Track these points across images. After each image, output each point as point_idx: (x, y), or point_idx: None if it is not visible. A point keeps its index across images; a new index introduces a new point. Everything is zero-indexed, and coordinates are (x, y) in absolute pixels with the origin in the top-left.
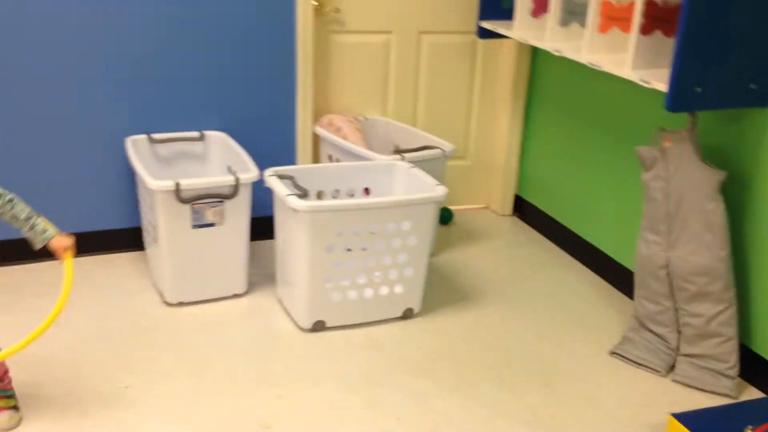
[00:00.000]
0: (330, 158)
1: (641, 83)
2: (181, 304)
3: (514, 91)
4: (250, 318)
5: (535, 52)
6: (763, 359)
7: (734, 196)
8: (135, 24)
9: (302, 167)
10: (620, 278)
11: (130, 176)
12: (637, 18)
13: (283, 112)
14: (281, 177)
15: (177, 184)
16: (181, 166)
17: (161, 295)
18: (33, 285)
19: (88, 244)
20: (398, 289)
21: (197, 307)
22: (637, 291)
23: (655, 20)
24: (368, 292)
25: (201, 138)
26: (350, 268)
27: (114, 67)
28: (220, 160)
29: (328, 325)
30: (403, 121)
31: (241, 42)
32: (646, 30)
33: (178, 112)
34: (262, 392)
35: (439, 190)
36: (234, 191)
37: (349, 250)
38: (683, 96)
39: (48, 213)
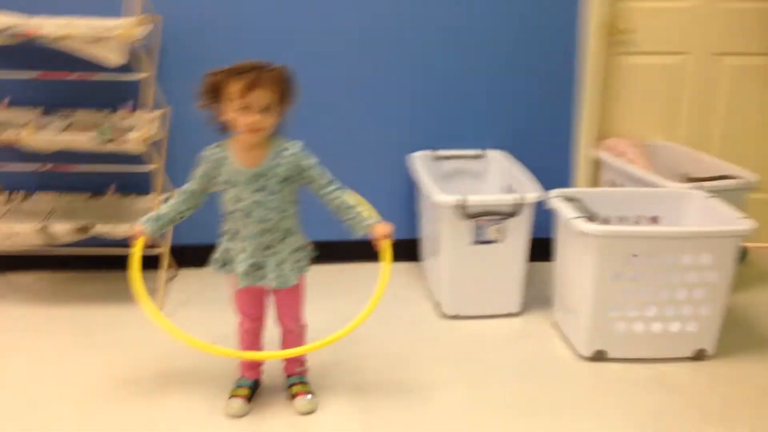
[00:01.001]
0: (612, 184)
1: None
2: (456, 317)
3: None
4: (526, 339)
5: None
6: None
7: None
8: (431, 49)
9: (588, 190)
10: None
11: (410, 189)
12: None
13: (562, 134)
14: (567, 199)
15: (463, 200)
16: (461, 183)
17: (438, 306)
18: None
19: (368, 251)
20: (691, 327)
21: (473, 321)
22: None
23: None
24: (657, 326)
25: (482, 156)
26: (639, 298)
27: (408, 85)
28: (498, 178)
29: (610, 355)
30: (693, 147)
31: (523, 63)
32: None
33: (460, 131)
34: (541, 417)
35: (745, 223)
36: (517, 210)
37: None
38: None
39: (330, 220)
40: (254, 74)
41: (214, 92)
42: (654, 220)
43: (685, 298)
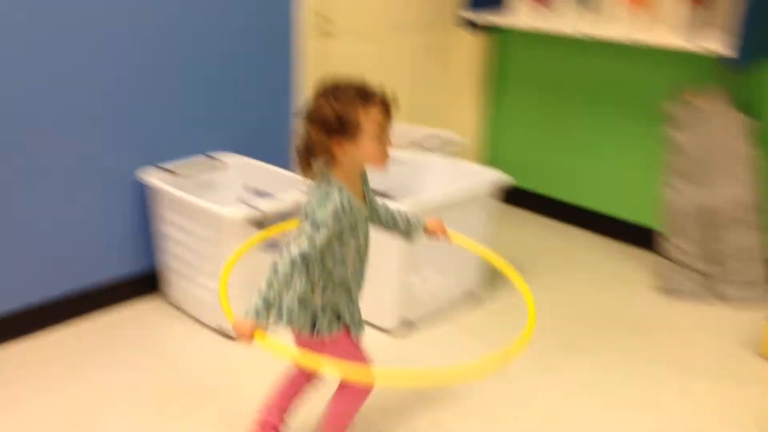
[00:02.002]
0: None
1: (696, 48)
2: None
3: (484, 79)
4: None
5: (504, 38)
6: None
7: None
8: (122, 51)
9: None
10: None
11: (140, 213)
12: None
13: (283, 125)
14: None
15: (256, 210)
16: (202, 192)
17: (221, 330)
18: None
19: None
20: (467, 276)
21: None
22: (668, 234)
23: None
24: (444, 284)
25: (215, 161)
26: (431, 262)
27: (113, 102)
28: (239, 180)
29: (414, 319)
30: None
31: (239, 58)
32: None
33: (186, 139)
34: None
35: (496, 176)
36: None
37: None
38: (743, 56)
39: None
40: (384, 99)
41: (346, 124)
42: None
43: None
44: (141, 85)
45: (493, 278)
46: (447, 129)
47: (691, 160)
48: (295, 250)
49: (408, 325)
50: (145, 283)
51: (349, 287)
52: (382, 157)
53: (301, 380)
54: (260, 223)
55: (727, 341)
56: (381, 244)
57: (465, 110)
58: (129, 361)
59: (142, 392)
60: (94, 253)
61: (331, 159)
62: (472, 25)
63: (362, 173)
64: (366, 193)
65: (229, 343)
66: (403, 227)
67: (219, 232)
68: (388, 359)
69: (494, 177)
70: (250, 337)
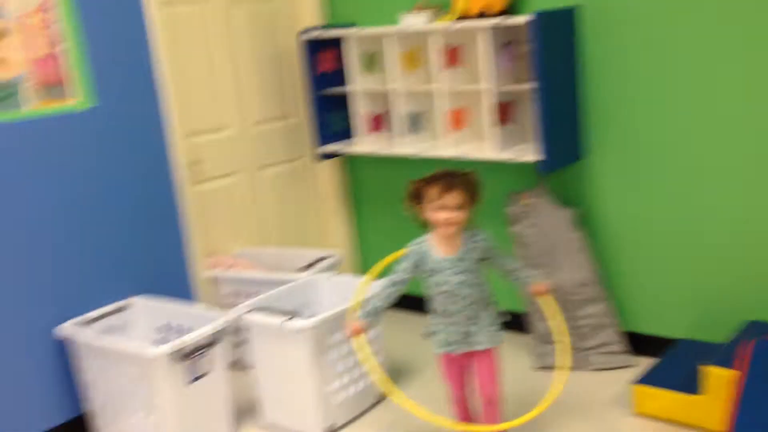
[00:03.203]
0: (237, 294)
1: (512, 161)
2: None
3: (341, 198)
4: None
5: (350, 162)
6: (633, 333)
7: (583, 225)
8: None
9: (262, 298)
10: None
11: (59, 364)
12: (492, 114)
13: (179, 265)
14: (259, 309)
15: (175, 344)
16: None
17: None
18: None
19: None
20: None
21: None
22: (533, 316)
23: (501, 114)
24: (354, 388)
25: (124, 308)
26: (342, 370)
27: (22, 265)
28: (144, 323)
29: (338, 425)
30: (262, 246)
31: (129, 213)
32: (501, 122)
33: (91, 290)
34: None
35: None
36: (217, 337)
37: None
38: (549, 161)
39: None
40: (448, 179)
41: (417, 197)
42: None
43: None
44: (47, 247)
45: (393, 377)
46: (323, 247)
47: (536, 251)
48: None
49: (332, 429)
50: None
51: (445, 314)
52: (442, 222)
53: (458, 395)
54: (184, 356)
55: (601, 404)
56: (293, 358)
57: (334, 228)
58: None
59: None
60: (16, 408)
61: (423, 222)
62: (327, 156)
63: (468, 235)
64: (465, 249)
65: None
66: (511, 280)
67: (145, 369)
68: None
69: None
70: (356, 335)
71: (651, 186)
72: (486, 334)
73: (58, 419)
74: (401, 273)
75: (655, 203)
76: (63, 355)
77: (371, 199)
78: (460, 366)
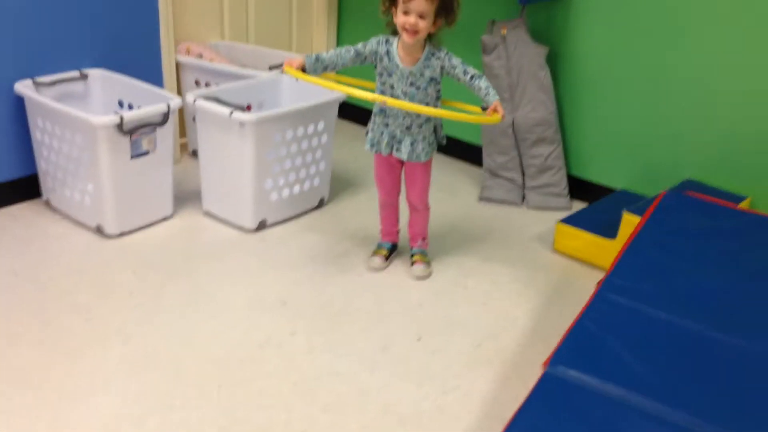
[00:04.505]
0: (197, 83)
1: None
2: (122, 234)
3: (328, 6)
4: (196, 232)
5: None
6: (579, 179)
7: (552, 65)
8: None
9: (216, 89)
10: (460, 150)
11: (17, 123)
12: None
13: (148, 44)
14: (207, 99)
15: (121, 118)
16: (71, 106)
17: (99, 229)
18: None
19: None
20: (316, 182)
21: (138, 234)
22: (486, 149)
23: None
24: (296, 188)
25: (84, 77)
26: (284, 169)
27: None
28: (103, 95)
29: (269, 222)
30: (239, 41)
31: None
32: None
33: (54, 54)
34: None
35: (337, 93)
36: (165, 119)
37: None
38: None
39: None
40: None
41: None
42: (249, 108)
43: (310, 160)
44: (16, 4)
45: (337, 186)
46: (300, 52)
47: (501, 84)
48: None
49: (262, 225)
50: (26, 188)
51: (383, 115)
52: (403, 25)
53: (384, 199)
54: (124, 130)
55: (526, 238)
56: (238, 153)
57: (316, 34)
58: (8, 252)
59: (20, 277)
60: None
61: (393, 26)
62: None
63: (428, 52)
64: (423, 65)
65: (104, 240)
66: (479, 96)
67: (89, 137)
68: (246, 251)
69: (335, 95)
70: (290, 65)
71: (627, 32)
72: (411, 147)
73: (13, 174)
74: (359, 45)
75: (626, 51)
76: (23, 113)
77: (357, 9)
78: (390, 169)
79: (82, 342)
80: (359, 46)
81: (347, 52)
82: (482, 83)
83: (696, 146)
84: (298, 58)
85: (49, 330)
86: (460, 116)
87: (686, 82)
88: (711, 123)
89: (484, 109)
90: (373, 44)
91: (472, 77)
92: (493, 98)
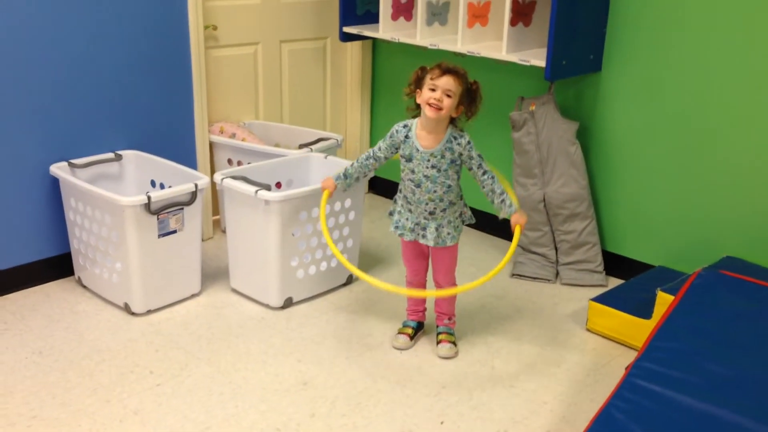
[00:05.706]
0: (230, 162)
1: (521, 62)
2: (148, 312)
3: (361, 83)
4: (222, 310)
5: (375, 49)
6: (614, 255)
7: (583, 140)
8: (38, 55)
9: (245, 167)
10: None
11: (53, 204)
12: (506, 13)
13: (182, 125)
14: (234, 178)
15: (148, 198)
16: (104, 187)
17: (126, 307)
18: None
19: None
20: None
21: (165, 311)
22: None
23: (518, 15)
24: (323, 265)
25: (118, 158)
26: (311, 247)
27: (32, 98)
28: (137, 176)
29: (295, 300)
30: (272, 121)
31: (140, 64)
32: (513, 22)
33: (90, 137)
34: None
35: None
36: (193, 198)
37: (293, 234)
38: (557, 68)
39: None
40: (449, 67)
41: (417, 81)
42: (279, 185)
43: (337, 237)
44: (55, 90)
45: (367, 262)
46: (335, 131)
47: (532, 160)
48: (370, 150)
49: (288, 302)
50: (59, 266)
51: (406, 201)
52: (427, 101)
53: (411, 278)
54: (152, 210)
55: (558, 315)
56: (263, 231)
57: (350, 113)
58: (37, 332)
59: (45, 356)
60: (9, 239)
61: (415, 105)
62: (347, 37)
63: (450, 135)
64: (444, 147)
65: (131, 318)
66: (496, 204)
67: (117, 217)
68: (270, 330)
69: None
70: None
71: (659, 109)
72: (436, 232)
73: (47, 253)
74: (378, 148)
75: (659, 128)
76: (58, 194)
77: (390, 88)
78: (416, 251)
79: (100, 424)
80: (377, 148)
81: (367, 159)
82: (496, 187)
83: (734, 223)
84: (330, 179)
85: (68, 411)
86: (468, 287)
87: (721, 162)
88: (748, 200)
89: (503, 219)
90: (393, 138)
91: (485, 173)
92: (513, 209)
